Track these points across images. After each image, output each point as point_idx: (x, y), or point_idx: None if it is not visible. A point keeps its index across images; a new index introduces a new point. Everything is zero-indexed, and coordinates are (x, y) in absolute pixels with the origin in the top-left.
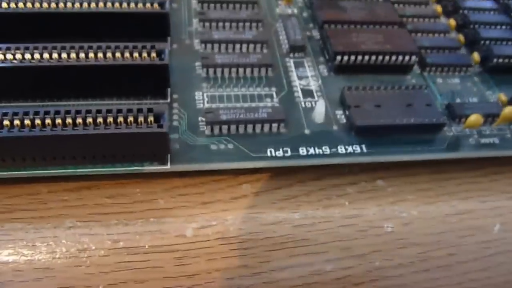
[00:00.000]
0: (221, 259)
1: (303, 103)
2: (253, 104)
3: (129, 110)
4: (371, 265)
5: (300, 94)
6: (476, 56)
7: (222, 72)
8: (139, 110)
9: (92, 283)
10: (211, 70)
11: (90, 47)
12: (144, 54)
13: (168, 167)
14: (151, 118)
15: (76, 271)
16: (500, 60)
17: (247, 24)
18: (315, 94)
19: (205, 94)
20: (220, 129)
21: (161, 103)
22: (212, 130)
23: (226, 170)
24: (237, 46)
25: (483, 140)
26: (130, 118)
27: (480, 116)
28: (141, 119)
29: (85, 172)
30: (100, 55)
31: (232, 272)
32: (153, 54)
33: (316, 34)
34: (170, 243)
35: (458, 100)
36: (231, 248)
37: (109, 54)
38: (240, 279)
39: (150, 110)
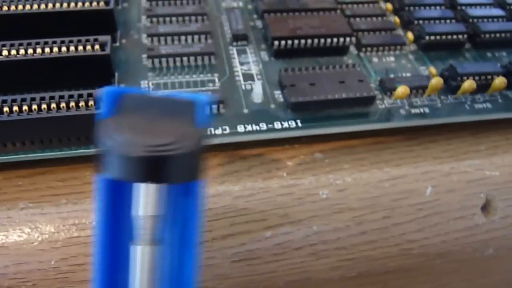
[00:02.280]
0: None
1: (243, 86)
2: (196, 89)
3: (71, 96)
4: (309, 230)
5: (241, 78)
6: (410, 35)
7: (167, 62)
8: (80, 96)
9: (45, 258)
10: (156, 61)
11: (38, 43)
12: (88, 47)
13: None
14: (91, 102)
15: (29, 247)
16: (432, 37)
17: (193, 18)
18: (255, 77)
19: (150, 83)
20: None
21: None
22: None
23: None
24: (182, 37)
25: (414, 110)
26: (72, 103)
27: (407, 87)
28: (82, 103)
29: (35, 157)
30: (47, 49)
31: None
32: (97, 46)
33: (259, 24)
34: None
35: (392, 76)
36: None
37: (55, 49)
38: None
39: (90, 94)
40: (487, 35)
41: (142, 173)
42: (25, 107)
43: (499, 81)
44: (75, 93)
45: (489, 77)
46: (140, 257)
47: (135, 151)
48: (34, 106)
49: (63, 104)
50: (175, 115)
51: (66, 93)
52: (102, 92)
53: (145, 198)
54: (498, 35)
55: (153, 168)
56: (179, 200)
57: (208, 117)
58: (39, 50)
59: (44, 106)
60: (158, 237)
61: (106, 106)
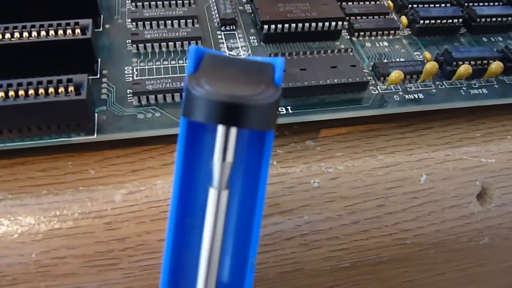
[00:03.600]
0: (150, 222)
1: None
2: (182, 75)
3: (49, 82)
4: (300, 219)
5: None
6: (404, 19)
7: (152, 47)
8: (59, 81)
9: (25, 251)
10: (140, 46)
11: (15, 27)
12: (69, 31)
13: (94, 137)
14: (71, 88)
15: (8, 240)
16: (427, 22)
17: (179, 1)
18: None
19: (134, 68)
20: (148, 99)
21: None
22: (139, 100)
23: (158, 140)
24: (168, 22)
25: (408, 96)
26: (51, 89)
27: (401, 72)
28: (61, 89)
29: (14, 146)
30: (25, 34)
31: (163, 234)
32: (77, 30)
33: (248, 8)
34: (99, 209)
35: (385, 61)
36: (161, 211)
37: (34, 33)
38: None
39: (69, 80)
40: (483, 20)
41: (226, 117)
42: (1, 94)
43: (495, 66)
44: (54, 78)
45: (485, 61)
46: (213, 201)
47: (223, 96)
48: (11, 93)
49: (41, 90)
50: (255, 73)
51: (44, 79)
52: (189, 50)
53: (224, 144)
54: (494, 19)
55: (236, 113)
56: (253, 149)
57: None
58: (17, 35)
59: (21, 92)
60: (230, 182)
61: (192, 62)
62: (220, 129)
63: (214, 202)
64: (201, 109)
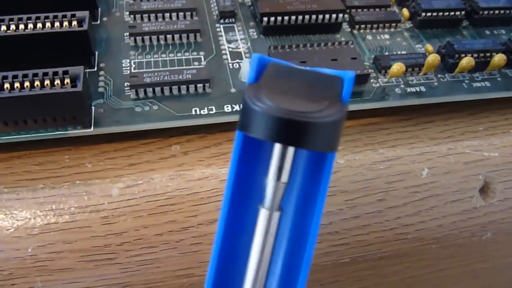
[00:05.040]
0: (148, 216)
1: (230, 65)
2: (180, 68)
3: (45, 74)
4: None
5: (228, 56)
6: (405, 12)
7: (150, 40)
8: (55, 73)
9: (21, 246)
10: (138, 39)
11: (11, 19)
12: (66, 23)
13: (91, 130)
14: (67, 80)
15: (4, 235)
16: (429, 14)
17: None
18: (243, 55)
19: (132, 61)
20: (145, 92)
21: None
22: (137, 93)
23: (156, 133)
24: (167, 15)
25: (410, 89)
26: (47, 82)
27: (402, 64)
28: (57, 81)
29: (10, 140)
30: (21, 26)
31: (160, 228)
32: (74, 23)
33: (248, 0)
34: (96, 203)
35: (386, 54)
36: (158, 205)
37: (30, 25)
38: (169, 234)
39: (65, 72)
40: (486, 12)
41: (284, 135)
42: None
43: (499, 58)
44: (50, 70)
45: (488, 54)
46: (263, 221)
47: (282, 112)
48: (6, 85)
49: (37, 83)
50: (321, 87)
51: (40, 71)
52: (252, 58)
53: (280, 163)
54: (496, 12)
55: (294, 131)
56: (311, 170)
57: (351, 94)
58: (13, 27)
59: (17, 84)
60: (283, 204)
61: (253, 72)
62: (277, 147)
63: (264, 224)
64: (256, 124)
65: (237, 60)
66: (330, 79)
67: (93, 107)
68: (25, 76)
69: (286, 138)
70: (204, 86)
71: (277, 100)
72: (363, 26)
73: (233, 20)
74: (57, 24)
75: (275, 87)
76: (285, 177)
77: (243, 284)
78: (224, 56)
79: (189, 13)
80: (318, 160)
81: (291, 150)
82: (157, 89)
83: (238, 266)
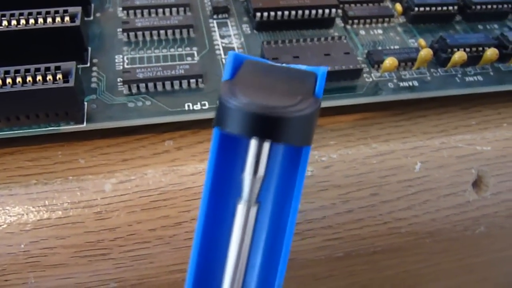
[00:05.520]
0: (141, 211)
1: (224, 60)
2: (174, 63)
3: (37, 70)
4: None
5: (221, 52)
6: (398, 7)
7: (143, 35)
8: (47, 69)
9: (13, 242)
10: (131, 34)
11: (3, 15)
12: (58, 19)
13: (84, 125)
14: (59, 76)
15: None
16: (421, 9)
17: None
18: (237, 51)
19: (125, 57)
20: (138, 87)
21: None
22: (129, 89)
23: (149, 129)
24: (160, 10)
25: (402, 84)
26: (39, 77)
27: (395, 59)
28: (49, 77)
29: (2, 136)
30: (13, 22)
31: (154, 223)
32: (66, 18)
33: None
34: (89, 198)
35: (379, 48)
36: (151, 200)
37: (23, 21)
38: (162, 229)
39: (57, 68)
40: (478, 7)
41: (258, 130)
42: None
43: (491, 53)
44: (42, 66)
45: (480, 48)
46: (241, 216)
47: (255, 108)
48: None
49: (29, 78)
50: (295, 83)
51: (32, 66)
52: (228, 55)
53: (256, 157)
54: (489, 6)
55: (268, 126)
56: (287, 164)
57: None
58: (5, 23)
59: (9, 80)
60: (260, 198)
61: (229, 69)
62: (252, 142)
63: (242, 218)
64: (231, 120)
65: None
66: (304, 74)
67: (85, 103)
68: (17, 71)
69: (260, 132)
70: (197, 81)
71: (251, 96)
72: (356, 21)
73: (227, 15)
74: (49, 20)
75: (250, 84)
76: (261, 171)
77: (223, 278)
78: (217, 52)
79: (182, 8)
80: (294, 154)
81: (266, 144)
82: (150, 84)
83: (218, 260)
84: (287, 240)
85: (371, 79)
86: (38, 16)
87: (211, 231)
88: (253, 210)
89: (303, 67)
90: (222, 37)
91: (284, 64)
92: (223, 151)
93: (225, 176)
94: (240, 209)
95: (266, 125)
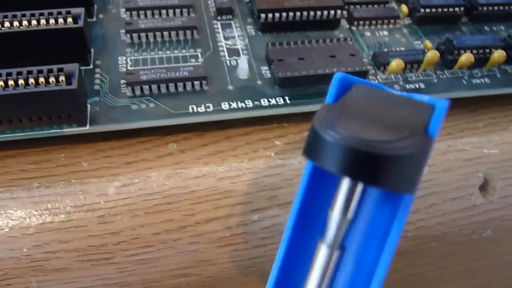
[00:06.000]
0: (145, 215)
1: (228, 62)
2: (177, 65)
3: (40, 71)
4: None
5: (226, 53)
6: (404, 8)
7: (147, 37)
8: (50, 71)
9: (16, 246)
10: (135, 36)
11: (6, 16)
12: (61, 20)
13: (87, 128)
14: (62, 78)
15: None
16: (427, 10)
17: None
18: (241, 52)
19: (128, 58)
20: (142, 89)
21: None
22: (133, 91)
23: (153, 131)
24: (163, 11)
25: (409, 86)
26: (41, 79)
27: (401, 61)
28: (52, 79)
29: (4, 138)
30: (16, 23)
31: (158, 227)
32: (69, 19)
33: None
34: (92, 202)
35: (385, 50)
36: (155, 204)
37: (25, 22)
38: (166, 233)
39: (60, 70)
40: (485, 8)
41: (351, 168)
42: None
43: (498, 55)
44: (45, 68)
45: (487, 50)
46: (321, 258)
47: (348, 141)
48: (1, 83)
49: (32, 80)
50: (406, 115)
51: (35, 68)
52: (335, 77)
53: (346, 198)
54: (496, 7)
55: (363, 164)
56: (382, 210)
57: (440, 126)
58: (7, 24)
59: (11, 82)
60: (344, 243)
61: (332, 92)
62: (345, 181)
63: (323, 260)
64: (323, 153)
65: (234, 57)
66: (419, 106)
67: (88, 105)
68: (19, 73)
69: (353, 171)
70: (201, 83)
71: (348, 127)
72: (361, 22)
73: (231, 16)
74: (52, 21)
75: (352, 112)
76: (350, 213)
77: None
78: (222, 53)
79: (186, 9)
80: (393, 199)
81: (360, 185)
82: (154, 86)
83: None
84: None
85: (377, 81)
86: (40, 17)
87: (290, 264)
88: (335, 255)
89: (420, 97)
90: (226, 38)
91: (399, 92)
92: (314, 182)
93: (311, 209)
94: (322, 252)
95: (359, 163)
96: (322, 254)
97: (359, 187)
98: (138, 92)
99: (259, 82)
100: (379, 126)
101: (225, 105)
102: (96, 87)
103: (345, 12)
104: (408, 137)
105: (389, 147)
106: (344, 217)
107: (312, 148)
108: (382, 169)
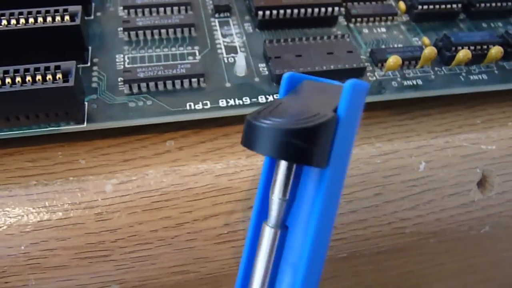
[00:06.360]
0: (143, 212)
1: (225, 59)
2: (175, 63)
3: (37, 69)
4: None
5: (223, 50)
6: (402, 5)
7: (144, 35)
8: (47, 68)
9: (14, 244)
10: (132, 33)
11: (3, 15)
12: (58, 18)
13: (84, 125)
14: (59, 75)
15: None
16: (425, 7)
17: None
18: (238, 50)
19: (126, 56)
20: (139, 87)
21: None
22: (130, 88)
23: (150, 129)
24: (161, 9)
25: (406, 82)
26: (38, 77)
27: (399, 57)
28: (49, 76)
29: (2, 136)
30: (13, 21)
31: (155, 224)
32: (67, 17)
33: None
34: (90, 199)
35: (383, 47)
36: (153, 201)
37: (22, 20)
38: (164, 230)
39: (57, 67)
40: (482, 5)
41: (270, 148)
42: None
43: (496, 51)
44: (42, 65)
45: (485, 47)
46: (264, 238)
47: (264, 123)
48: None
49: (29, 78)
50: (326, 99)
51: (32, 66)
52: (283, 77)
53: (278, 179)
54: (493, 4)
55: (274, 142)
56: (308, 185)
57: (350, 104)
58: (4, 22)
59: (8, 80)
60: (287, 222)
61: (281, 90)
62: (278, 163)
63: (266, 240)
64: (252, 138)
65: (232, 55)
66: (339, 90)
67: (86, 103)
68: (16, 71)
69: (273, 150)
70: (198, 80)
71: (275, 115)
72: (359, 19)
73: (228, 14)
74: (49, 19)
75: (285, 103)
76: (277, 192)
77: None
78: (219, 51)
79: (183, 7)
80: (317, 177)
81: (282, 163)
82: (151, 84)
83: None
84: (304, 268)
85: (374, 78)
86: (37, 15)
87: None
88: (270, 232)
89: (335, 82)
90: (223, 36)
91: (331, 81)
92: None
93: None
94: (265, 231)
95: (272, 141)
96: (265, 234)
97: (286, 166)
98: (135, 90)
99: (256, 79)
100: (300, 111)
101: (222, 102)
102: (94, 84)
103: (342, 9)
104: (316, 115)
105: (293, 123)
106: (281, 198)
107: (245, 136)
108: (291, 144)
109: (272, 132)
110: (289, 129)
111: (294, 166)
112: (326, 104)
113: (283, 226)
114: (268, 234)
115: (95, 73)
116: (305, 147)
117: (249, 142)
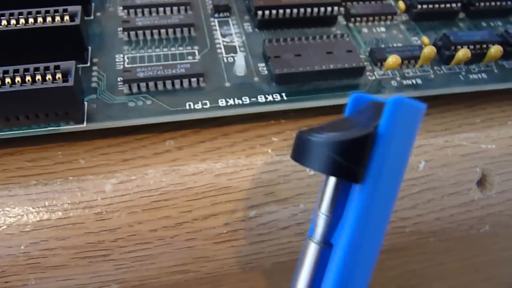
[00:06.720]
0: (142, 211)
1: (225, 59)
2: (174, 63)
3: (36, 69)
4: (295, 208)
5: (223, 50)
6: (401, 4)
7: (144, 35)
8: (46, 68)
9: (13, 243)
10: (132, 33)
11: (3, 15)
12: (58, 18)
13: (84, 125)
14: (59, 75)
15: None
16: (425, 6)
17: None
18: (238, 49)
19: (125, 56)
20: (138, 86)
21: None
22: (130, 88)
23: (150, 128)
24: (160, 9)
25: (406, 82)
26: (38, 77)
27: (398, 57)
28: (49, 76)
29: (2, 136)
30: (13, 21)
31: (155, 224)
32: (66, 17)
33: None
34: (89, 199)
35: (382, 46)
36: (152, 201)
37: (22, 20)
38: (163, 230)
39: (57, 67)
40: (482, 4)
41: (314, 160)
42: None
43: (495, 50)
44: (42, 65)
45: (484, 46)
46: (307, 253)
47: (311, 138)
48: None
49: (28, 78)
50: (372, 116)
51: (31, 66)
52: (350, 97)
53: (324, 196)
54: (493, 3)
55: (319, 155)
56: (351, 202)
57: (392, 120)
58: (4, 22)
59: (8, 80)
60: (328, 239)
61: (348, 110)
62: (325, 176)
63: (310, 257)
64: (304, 153)
65: (231, 54)
66: (379, 106)
67: (85, 102)
68: (16, 71)
69: (320, 165)
70: (198, 80)
71: (327, 131)
72: (358, 19)
73: (228, 14)
74: (49, 19)
75: (341, 122)
76: (324, 208)
77: None
78: (219, 50)
79: (183, 7)
80: (350, 190)
81: (331, 180)
82: (151, 83)
83: None
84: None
85: (374, 77)
86: (37, 15)
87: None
88: (314, 248)
89: (381, 99)
90: (223, 35)
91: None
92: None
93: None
94: (310, 247)
95: (310, 152)
96: (309, 249)
97: (329, 180)
98: (135, 90)
99: (256, 78)
100: (348, 127)
101: (222, 102)
102: (93, 84)
103: (342, 9)
104: (355, 131)
105: (331, 137)
106: (324, 213)
107: (296, 151)
108: (327, 157)
109: (309, 144)
110: (321, 142)
111: (338, 181)
112: (374, 121)
113: (327, 243)
114: (311, 249)
115: (94, 73)
116: (338, 160)
117: (293, 153)
